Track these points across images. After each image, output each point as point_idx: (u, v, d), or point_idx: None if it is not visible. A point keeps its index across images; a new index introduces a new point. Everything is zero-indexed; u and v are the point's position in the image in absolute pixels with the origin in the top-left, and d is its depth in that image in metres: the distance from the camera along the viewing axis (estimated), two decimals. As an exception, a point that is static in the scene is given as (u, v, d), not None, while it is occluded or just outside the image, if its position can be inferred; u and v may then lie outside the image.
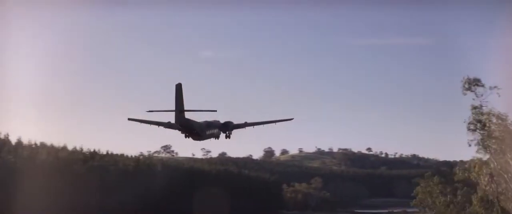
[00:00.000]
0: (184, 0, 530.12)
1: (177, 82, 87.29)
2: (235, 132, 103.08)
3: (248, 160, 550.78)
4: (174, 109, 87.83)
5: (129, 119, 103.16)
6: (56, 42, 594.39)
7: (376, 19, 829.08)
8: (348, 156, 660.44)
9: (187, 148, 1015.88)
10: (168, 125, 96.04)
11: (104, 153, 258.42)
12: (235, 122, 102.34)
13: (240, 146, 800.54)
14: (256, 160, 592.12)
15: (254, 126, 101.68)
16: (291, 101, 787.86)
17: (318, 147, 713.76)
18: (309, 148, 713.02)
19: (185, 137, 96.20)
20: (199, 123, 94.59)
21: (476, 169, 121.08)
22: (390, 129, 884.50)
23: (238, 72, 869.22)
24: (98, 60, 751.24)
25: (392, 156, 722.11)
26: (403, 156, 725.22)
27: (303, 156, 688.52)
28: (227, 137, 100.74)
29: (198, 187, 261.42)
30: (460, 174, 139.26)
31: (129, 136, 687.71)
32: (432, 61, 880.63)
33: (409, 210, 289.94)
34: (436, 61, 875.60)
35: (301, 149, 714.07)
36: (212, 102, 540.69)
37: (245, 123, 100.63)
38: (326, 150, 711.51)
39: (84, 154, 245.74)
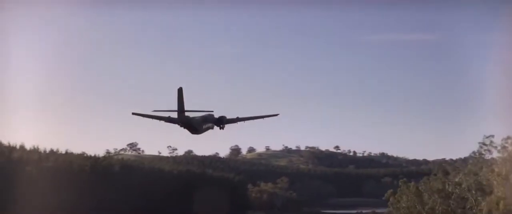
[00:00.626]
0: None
1: (178, 87, 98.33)
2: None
3: (214, 159, 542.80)
4: (176, 108, 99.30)
5: (133, 113, 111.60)
6: (54, 43, 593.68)
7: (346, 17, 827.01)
8: (315, 155, 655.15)
9: (153, 146, 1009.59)
10: (168, 120, 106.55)
11: (63, 152, 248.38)
12: (227, 116, 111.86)
13: (207, 144, 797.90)
14: (222, 158, 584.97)
15: (245, 121, 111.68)
16: (260, 99, 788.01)
17: (286, 145, 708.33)
18: (276, 146, 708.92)
19: (183, 128, 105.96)
20: (196, 119, 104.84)
21: (501, 206, 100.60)
22: (359, 127, 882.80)
23: (231, 70, 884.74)
24: (94, 61, 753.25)
25: (361, 155, 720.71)
26: (372, 154, 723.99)
27: (270, 154, 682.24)
28: (221, 128, 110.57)
29: (159, 189, 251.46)
30: (450, 189, 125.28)
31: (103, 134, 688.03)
32: (403, 59, 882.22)
33: (378, 211, 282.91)
34: (408, 59, 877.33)
35: (268, 147, 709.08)
36: (206, 96, 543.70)
37: (237, 117, 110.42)
38: (294, 148, 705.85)
39: (39, 154, 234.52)
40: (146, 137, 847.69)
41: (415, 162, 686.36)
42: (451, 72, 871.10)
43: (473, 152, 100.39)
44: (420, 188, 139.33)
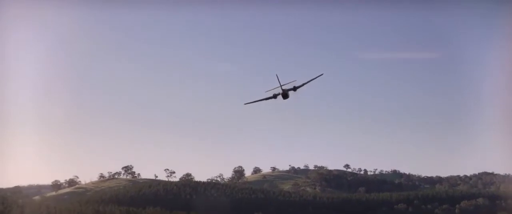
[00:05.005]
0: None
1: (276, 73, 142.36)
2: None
3: (209, 185, 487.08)
4: (278, 86, 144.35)
5: (245, 104, 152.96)
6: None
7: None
8: (323, 176, 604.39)
9: (150, 168, 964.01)
10: (273, 97, 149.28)
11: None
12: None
13: (210, 165, 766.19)
14: (221, 182, 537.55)
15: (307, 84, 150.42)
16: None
17: (292, 164, 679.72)
18: (283, 166, 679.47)
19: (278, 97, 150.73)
20: (287, 90, 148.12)
21: None
22: (369, 143, 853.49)
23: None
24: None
25: (372, 173, 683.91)
26: (383, 172, 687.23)
27: (275, 176, 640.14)
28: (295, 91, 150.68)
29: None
30: None
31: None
32: (410, 77, 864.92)
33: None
34: (415, 77, 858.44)
35: (274, 167, 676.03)
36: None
37: (303, 84, 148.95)
38: (301, 167, 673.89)
39: None
40: (143, 159, 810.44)
41: (429, 179, 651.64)
42: (458, 88, 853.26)
43: None
44: None
